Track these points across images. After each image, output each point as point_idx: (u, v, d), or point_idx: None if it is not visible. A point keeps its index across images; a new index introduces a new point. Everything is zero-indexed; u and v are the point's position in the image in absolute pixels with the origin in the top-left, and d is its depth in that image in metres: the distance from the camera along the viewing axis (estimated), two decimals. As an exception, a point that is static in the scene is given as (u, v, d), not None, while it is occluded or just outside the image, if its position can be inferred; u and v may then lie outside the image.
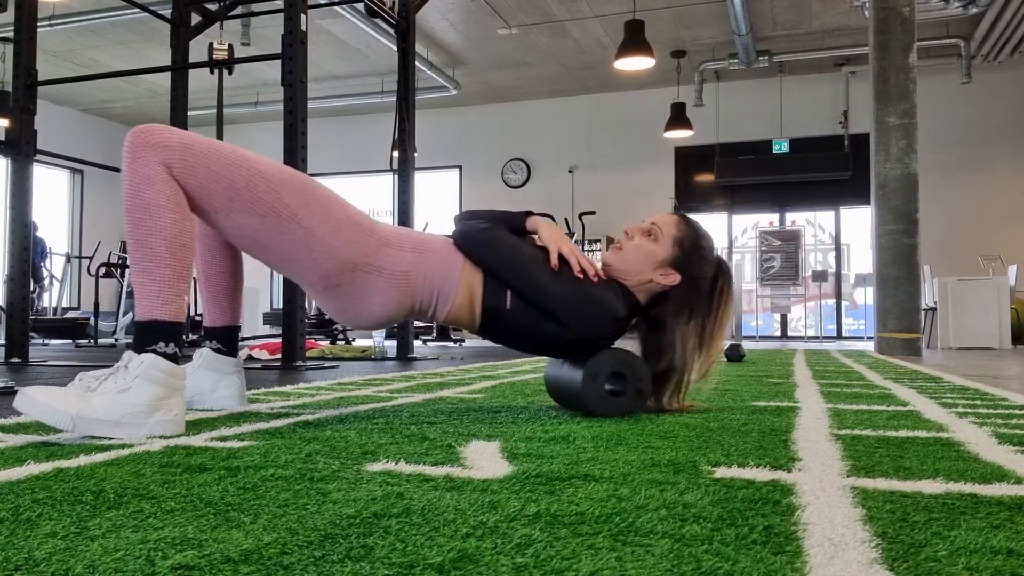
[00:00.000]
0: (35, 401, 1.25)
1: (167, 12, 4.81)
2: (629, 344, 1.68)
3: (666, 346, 1.63)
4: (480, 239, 1.58)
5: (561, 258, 1.58)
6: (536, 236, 1.64)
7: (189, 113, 4.78)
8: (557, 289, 1.54)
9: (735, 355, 4.22)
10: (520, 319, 1.57)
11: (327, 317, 8.39)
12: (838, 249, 11.25)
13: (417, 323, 8.86)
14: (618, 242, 1.71)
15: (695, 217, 1.79)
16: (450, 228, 1.69)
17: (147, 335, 1.36)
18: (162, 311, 1.37)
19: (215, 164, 1.42)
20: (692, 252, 1.65)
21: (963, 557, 0.63)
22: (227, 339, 1.72)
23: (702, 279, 1.65)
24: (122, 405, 1.29)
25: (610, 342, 1.62)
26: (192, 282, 1.76)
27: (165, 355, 1.35)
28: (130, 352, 1.35)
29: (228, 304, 1.70)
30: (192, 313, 7.99)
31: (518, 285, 1.55)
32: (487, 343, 9.51)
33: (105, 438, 1.26)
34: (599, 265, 1.67)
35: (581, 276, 1.56)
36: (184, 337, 1.41)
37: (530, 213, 1.66)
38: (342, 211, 1.52)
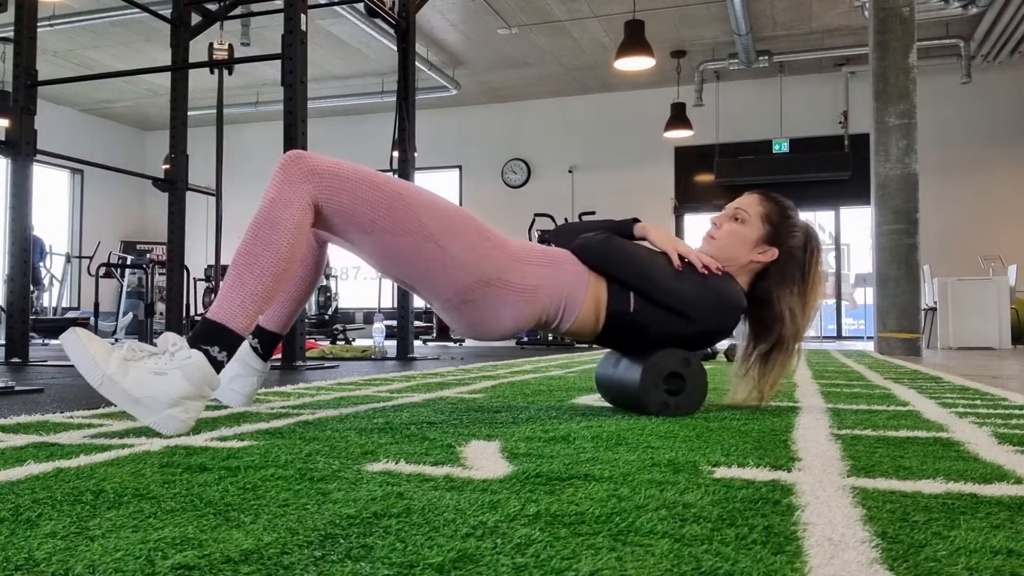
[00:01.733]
0: (82, 346, 1.28)
1: (167, 12, 4.81)
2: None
3: (775, 319, 1.70)
4: (602, 248, 1.64)
5: (681, 258, 1.63)
6: (646, 241, 1.70)
7: (189, 113, 4.78)
8: (684, 288, 1.60)
9: (735, 355, 4.21)
10: (645, 319, 1.62)
11: (327, 317, 8.39)
12: (838, 249, 11.24)
13: (417, 323, 8.87)
14: (709, 232, 1.76)
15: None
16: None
17: (209, 334, 1.36)
18: (235, 320, 1.38)
19: (359, 189, 1.47)
20: (782, 225, 1.72)
21: (963, 557, 0.63)
22: (269, 343, 1.73)
23: (796, 248, 1.72)
24: (149, 387, 1.30)
25: (730, 332, 1.69)
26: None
27: (213, 360, 1.36)
28: (184, 340, 1.36)
29: (288, 312, 1.72)
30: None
31: (642, 287, 1.60)
32: (487, 343, 9.51)
33: (108, 426, 1.26)
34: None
35: (706, 272, 1.62)
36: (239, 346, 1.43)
37: (636, 220, 1.72)
38: (474, 228, 1.56)
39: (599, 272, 1.64)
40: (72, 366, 3.75)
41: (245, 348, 1.71)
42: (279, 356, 3.89)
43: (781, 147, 11.00)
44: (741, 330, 1.76)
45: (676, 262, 1.62)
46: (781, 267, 1.70)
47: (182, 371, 1.32)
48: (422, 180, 6.82)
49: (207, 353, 1.35)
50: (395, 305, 5.16)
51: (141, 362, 1.32)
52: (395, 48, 5.21)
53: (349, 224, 1.48)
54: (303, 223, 1.43)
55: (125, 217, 13.25)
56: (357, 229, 1.49)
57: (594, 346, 6.67)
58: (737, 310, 1.65)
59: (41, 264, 9.85)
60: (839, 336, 11.15)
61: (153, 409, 1.30)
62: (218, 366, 1.37)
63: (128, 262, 9.81)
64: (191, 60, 4.82)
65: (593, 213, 10.03)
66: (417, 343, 8.80)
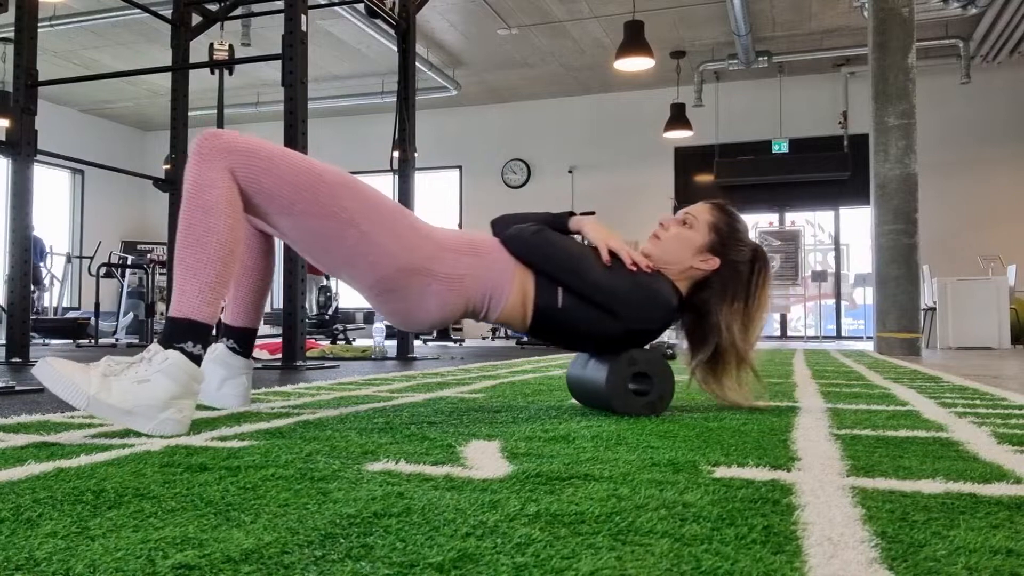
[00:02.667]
0: (57, 374, 1.26)
1: (167, 12, 4.81)
2: (671, 333, 1.73)
3: (711, 330, 1.67)
4: (531, 241, 1.61)
5: (612, 253, 1.61)
6: (579, 236, 1.68)
7: (189, 113, 4.78)
8: (612, 284, 1.57)
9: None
10: (573, 317, 1.60)
11: (328, 317, 8.39)
12: (838, 249, 11.24)
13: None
14: (655, 232, 1.74)
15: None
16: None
17: (178, 332, 1.36)
18: (198, 312, 1.37)
19: (278, 168, 1.45)
20: (729, 236, 1.69)
21: (962, 557, 0.63)
22: (244, 340, 1.73)
23: (740, 263, 1.69)
24: (137, 396, 1.29)
25: (659, 333, 1.66)
26: None
27: (191, 355, 1.36)
28: (156, 344, 1.36)
29: (253, 305, 1.72)
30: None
31: (572, 283, 1.58)
32: (487, 343, 9.52)
33: (108, 425, 1.27)
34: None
35: (635, 269, 1.59)
36: (212, 334, 1.42)
37: (572, 214, 1.70)
38: (400, 216, 1.55)
39: (527, 264, 1.61)
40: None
41: (224, 351, 1.71)
42: (279, 356, 3.89)
43: (781, 147, 11.00)
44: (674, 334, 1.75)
45: (605, 256, 1.60)
46: (723, 280, 1.67)
47: (164, 373, 1.32)
48: (422, 180, 6.79)
49: (182, 350, 1.35)
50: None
51: (122, 375, 1.31)
52: (395, 48, 5.21)
53: (270, 205, 1.46)
54: (233, 200, 1.41)
55: (125, 217, 13.24)
56: (278, 211, 1.46)
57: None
58: (664, 308, 1.61)
59: (41, 264, 9.85)
60: (839, 336, 11.15)
61: (148, 416, 1.30)
62: (196, 360, 1.37)
63: (128, 262, 9.81)
64: (191, 60, 4.82)
65: (593, 213, 10.01)
66: (417, 343, 8.80)
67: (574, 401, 1.96)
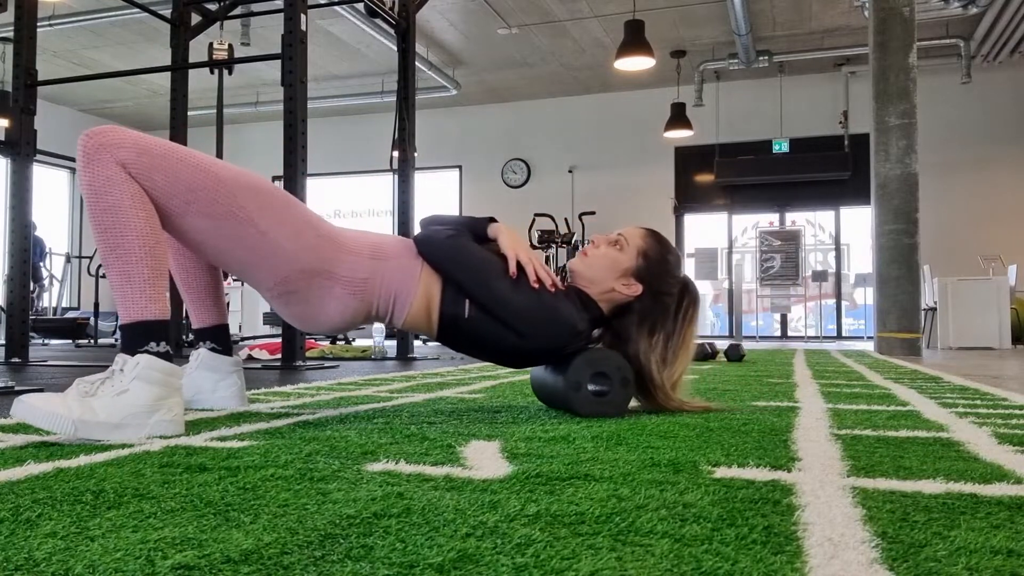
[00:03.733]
0: (35, 408, 1.24)
1: (167, 12, 4.81)
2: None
3: (629, 358, 1.62)
4: (443, 246, 1.56)
5: (520, 266, 1.56)
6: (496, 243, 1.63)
7: (189, 113, 4.78)
8: (515, 300, 1.53)
9: (735, 355, 4.22)
10: (479, 328, 1.55)
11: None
12: (838, 249, 11.24)
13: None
14: (584, 249, 1.71)
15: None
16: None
17: (137, 337, 1.35)
18: (147, 311, 1.36)
19: (171, 165, 1.40)
20: (656, 264, 1.65)
21: (963, 557, 0.63)
22: (220, 338, 1.72)
23: (666, 295, 1.65)
24: (122, 407, 1.28)
25: (567, 351, 1.61)
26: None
27: (159, 354, 1.35)
28: (123, 355, 1.34)
29: (212, 302, 1.70)
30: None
31: (477, 294, 1.54)
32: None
33: (105, 440, 1.26)
34: (567, 271, 1.68)
35: (537, 286, 1.55)
36: (184, 337, 1.41)
37: (492, 220, 1.65)
38: (301, 216, 1.51)
39: (436, 269, 1.57)
40: (73, 366, 3.75)
41: (207, 355, 1.70)
42: (278, 356, 3.89)
43: (781, 147, 11.00)
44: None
45: (512, 268, 1.55)
46: (644, 307, 1.63)
47: (140, 379, 1.31)
48: (422, 180, 6.77)
49: (148, 351, 1.34)
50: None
51: (98, 392, 1.29)
52: (395, 48, 5.21)
53: (164, 205, 1.40)
54: (136, 192, 1.36)
55: (125, 217, 13.23)
56: (173, 211, 1.42)
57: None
58: (565, 328, 1.56)
59: (42, 264, 9.85)
60: (839, 336, 11.15)
61: (139, 425, 1.29)
62: (166, 357, 1.36)
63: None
64: (191, 60, 4.82)
65: (593, 213, 10.03)
66: (417, 343, 8.80)
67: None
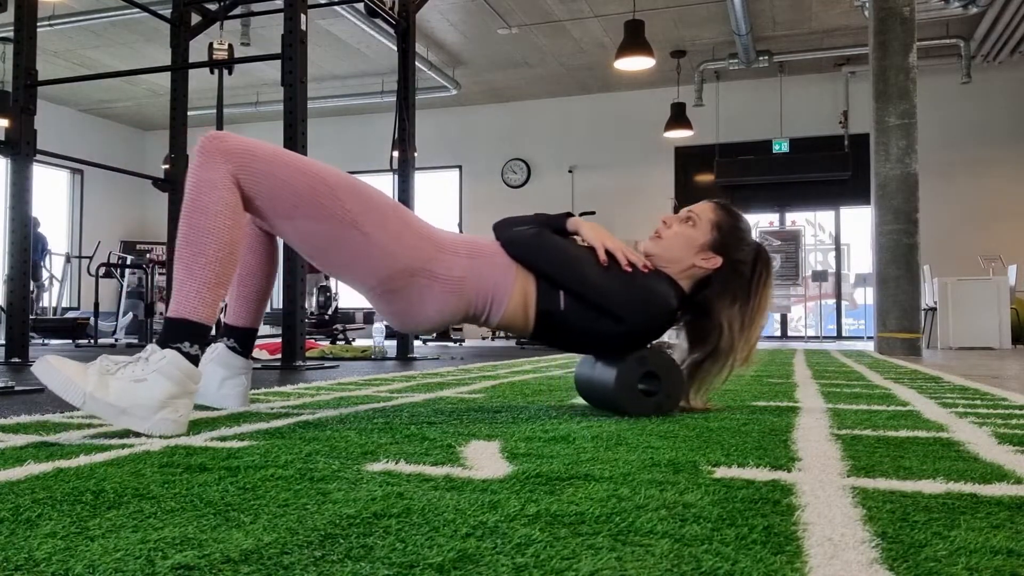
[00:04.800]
0: (55, 371, 1.26)
1: (167, 12, 4.81)
2: (673, 332, 1.71)
3: (712, 330, 1.65)
4: (530, 244, 1.61)
5: (609, 254, 1.60)
6: (578, 237, 1.67)
7: (189, 113, 4.78)
8: (610, 285, 1.56)
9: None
10: (574, 319, 1.59)
11: (327, 317, 8.39)
12: (838, 249, 11.24)
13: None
14: (656, 231, 1.73)
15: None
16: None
17: (175, 332, 1.37)
18: (196, 312, 1.38)
19: (280, 171, 1.45)
20: (731, 235, 1.68)
21: (963, 557, 0.63)
22: (245, 340, 1.73)
23: (742, 263, 1.68)
24: (133, 395, 1.29)
25: (661, 333, 1.64)
26: None
27: (187, 355, 1.36)
28: (154, 344, 1.36)
29: (256, 306, 1.72)
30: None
31: (571, 285, 1.57)
32: (487, 344, 9.52)
33: (107, 426, 1.27)
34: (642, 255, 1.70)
35: (630, 269, 1.58)
36: (209, 335, 1.42)
37: (570, 215, 1.69)
38: (401, 217, 1.54)
39: (528, 267, 1.60)
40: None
41: (224, 351, 1.72)
42: (279, 356, 3.89)
43: (781, 147, 10.99)
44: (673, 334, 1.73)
45: (602, 256, 1.58)
46: (724, 278, 1.65)
47: (160, 372, 1.32)
48: (422, 180, 6.79)
49: (179, 350, 1.35)
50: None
51: (118, 373, 1.31)
52: (395, 48, 5.21)
53: (271, 208, 1.46)
54: (233, 202, 1.41)
55: (125, 217, 13.24)
56: (279, 214, 1.47)
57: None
58: (662, 308, 1.60)
59: (43, 263, 9.85)
60: (839, 336, 11.14)
61: (143, 416, 1.29)
62: (193, 360, 1.37)
63: (128, 262, 9.81)
64: (191, 60, 4.82)
65: (593, 213, 10.03)
66: (417, 343, 8.80)
67: (574, 401, 1.96)
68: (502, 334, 10.85)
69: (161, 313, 8.34)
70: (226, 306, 1.75)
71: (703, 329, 1.68)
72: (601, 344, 1.65)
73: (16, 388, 2.19)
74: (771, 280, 1.71)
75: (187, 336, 1.37)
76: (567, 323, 1.60)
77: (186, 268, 1.38)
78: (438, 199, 12.33)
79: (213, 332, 1.63)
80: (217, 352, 1.72)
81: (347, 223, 1.48)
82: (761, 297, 1.68)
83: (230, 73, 5.04)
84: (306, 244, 1.52)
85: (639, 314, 1.58)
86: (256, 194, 1.45)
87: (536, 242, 1.60)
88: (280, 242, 1.74)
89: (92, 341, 8.15)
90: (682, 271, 1.66)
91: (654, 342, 1.67)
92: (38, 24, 4.11)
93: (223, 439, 1.27)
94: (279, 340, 4.09)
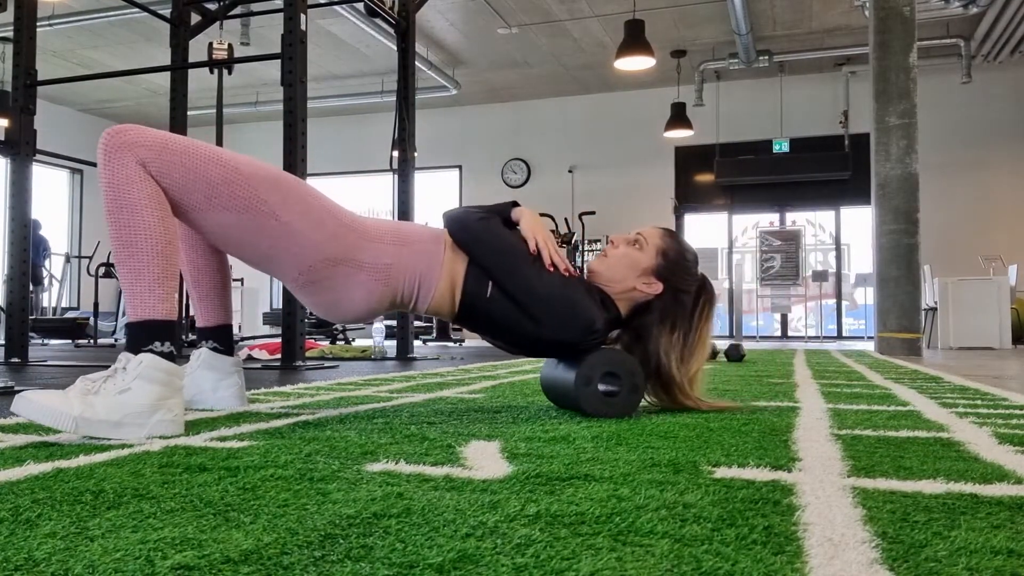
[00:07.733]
0: (35, 404, 1.24)
1: (167, 12, 4.81)
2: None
3: (649, 356, 1.64)
4: (474, 228, 1.59)
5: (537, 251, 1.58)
6: (520, 226, 1.65)
7: (189, 113, 4.78)
8: (536, 287, 1.54)
9: (735, 355, 4.22)
10: (498, 310, 1.57)
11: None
12: (838, 249, 11.24)
13: (417, 323, 8.87)
14: (604, 250, 1.72)
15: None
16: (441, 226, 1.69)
17: (142, 335, 1.35)
18: (155, 310, 1.36)
19: (191, 162, 1.41)
20: (676, 263, 1.66)
21: (963, 557, 0.63)
22: (223, 338, 1.72)
23: (685, 292, 1.67)
24: (123, 406, 1.28)
25: (584, 347, 1.61)
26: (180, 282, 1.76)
27: (162, 354, 1.35)
28: (126, 353, 1.35)
29: (219, 302, 1.70)
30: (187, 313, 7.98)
31: (501, 276, 1.55)
32: (487, 343, 9.46)
33: (105, 438, 1.26)
34: (586, 272, 1.69)
35: (552, 270, 1.57)
36: (184, 337, 1.41)
37: (515, 204, 1.67)
38: (322, 206, 1.52)
39: (466, 252, 1.59)
40: (73, 366, 3.75)
41: (208, 355, 1.71)
42: (278, 356, 3.89)
43: (781, 147, 11.00)
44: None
45: (532, 247, 1.57)
46: (664, 305, 1.64)
47: (142, 378, 1.31)
48: (422, 180, 6.78)
49: (152, 351, 1.34)
50: (395, 305, 5.15)
51: (101, 390, 1.30)
52: (395, 48, 5.21)
53: (186, 200, 1.42)
54: (154, 192, 1.38)
55: (125, 217, 13.22)
56: (194, 206, 1.43)
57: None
58: (584, 326, 1.56)
59: (43, 264, 9.85)
60: (839, 336, 11.15)
61: (140, 423, 1.29)
62: (170, 357, 1.36)
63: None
64: (191, 60, 4.82)
65: (593, 213, 10.02)
66: (417, 343, 8.80)
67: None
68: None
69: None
70: (194, 312, 1.74)
71: (640, 354, 1.65)
72: (516, 340, 1.62)
73: (16, 388, 2.19)
74: (712, 314, 1.69)
75: (155, 336, 1.35)
76: (489, 311, 1.57)
77: (130, 270, 1.36)
78: (438, 199, 12.33)
79: (195, 338, 1.62)
80: (202, 357, 1.71)
81: (264, 213, 1.44)
82: (701, 331, 1.67)
83: (230, 73, 5.04)
84: (226, 237, 1.48)
85: (556, 321, 1.55)
86: (168, 186, 1.40)
87: (479, 226, 1.59)
88: None
89: (92, 341, 8.14)
90: (622, 292, 1.65)
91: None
92: (38, 24, 4.11)
93: (223, 439, 1.27)
94: (279, 340, 4.09)
